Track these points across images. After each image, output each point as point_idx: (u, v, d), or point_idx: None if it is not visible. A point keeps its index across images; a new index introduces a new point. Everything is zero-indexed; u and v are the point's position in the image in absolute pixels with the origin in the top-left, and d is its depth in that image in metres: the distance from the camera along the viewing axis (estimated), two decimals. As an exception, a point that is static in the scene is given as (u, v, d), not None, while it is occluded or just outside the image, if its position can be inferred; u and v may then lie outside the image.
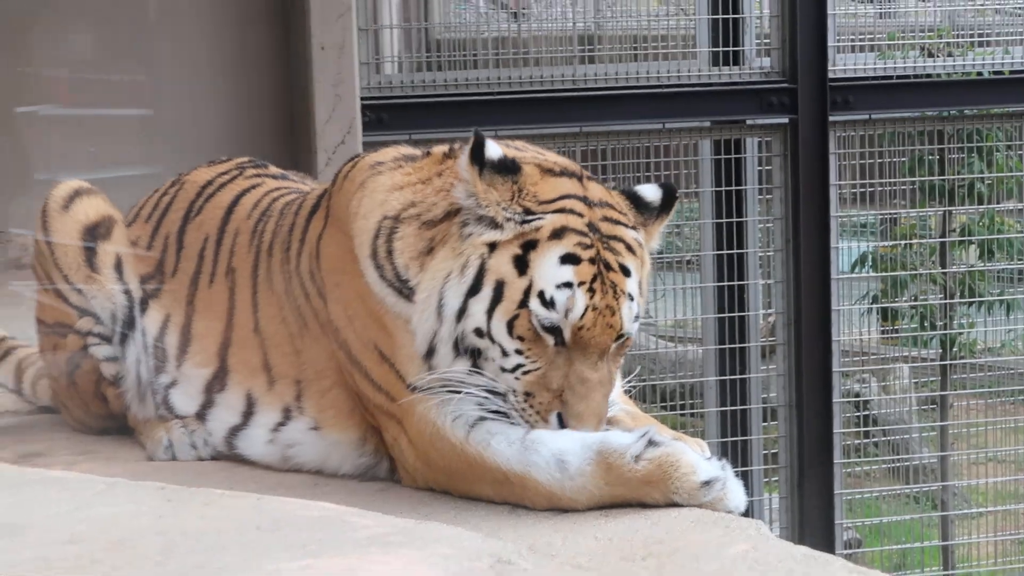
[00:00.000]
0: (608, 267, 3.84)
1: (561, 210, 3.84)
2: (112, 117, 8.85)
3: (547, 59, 9.39)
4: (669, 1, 10.32)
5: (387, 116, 8.70)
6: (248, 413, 4.44)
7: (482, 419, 3.86)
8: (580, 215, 3.86)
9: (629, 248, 3.90)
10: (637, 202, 4.06)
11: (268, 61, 8.90)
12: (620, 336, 3.87)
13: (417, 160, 4.19)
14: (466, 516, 3.73)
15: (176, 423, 4.56)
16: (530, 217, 3.82)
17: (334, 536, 3.16)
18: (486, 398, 3.85)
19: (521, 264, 3.81)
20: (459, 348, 3.86)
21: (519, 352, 3.81)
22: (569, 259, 3.81)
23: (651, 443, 3.72)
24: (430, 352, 3.90)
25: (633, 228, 3.97)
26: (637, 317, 3.90)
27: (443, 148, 4.19)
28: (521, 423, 3.83)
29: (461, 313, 3.84)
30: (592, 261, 3.82)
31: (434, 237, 3.97)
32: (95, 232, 4.80)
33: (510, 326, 3.81)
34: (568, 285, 3.79)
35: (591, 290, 3.79)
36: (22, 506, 3.32)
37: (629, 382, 4.36)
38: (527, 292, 3.80)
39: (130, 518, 3.26)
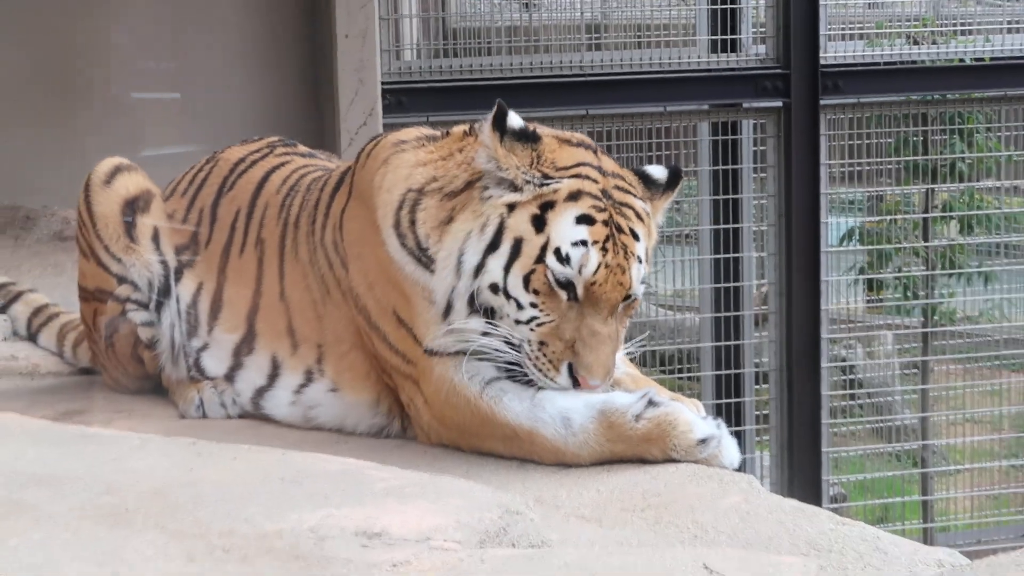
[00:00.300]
0: (620, 230, 3.85)
1: (577, 176, 3.86)
2: (151, 100, 8.85)
3: (556, 46, 9.37)
4: (671, -8, 10.27)
5: (406, 100, 8.67)
6: (273, 375, 4.45)
7: (496, 379, 3.87)
8: (595, 181, 3.88)
9: (638, 216, 3.92)
10: (645, 179, 4.08)
11: (296, 48, 8.90)
12: (628, 296, 3.87)
13: (437, 140, 4.19)
14: (477, 471, 3.73)
15: (207, 384, 4.56)
16: (548, 181, 3.84)
17: (353, 488, 3.15)
18: (500, 351, 3.85)
19: (539, 223, 3.83)
20: (474, 304, 3.88)
21: (534, 305, 3.83)
22: (584, 219, 3.82)
23: (651, 403, 3.73)
24: (447, 309, 3.92)
25: (642, 199, 3.97)
26: (644, 281, 3.91)
27: (463, 127, 4.19)
28: (533, 371, 3.83)
29: (479, 269, 3.86)
30: (605, 223, 3.83)
31: (455, 207, 3.97)
32: (134, 205, 4.80)
33: (527, 280, 3.82)
34: (583, 243, 3.80)
35: (604, 249, 3.80)
36: (63, 460, 3.32)
37: (634, 348, 4.35)
38: (544, 248, 3.81)
39: (163, 471, 3.26)
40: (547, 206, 3.82)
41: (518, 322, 3.83)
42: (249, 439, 3.94)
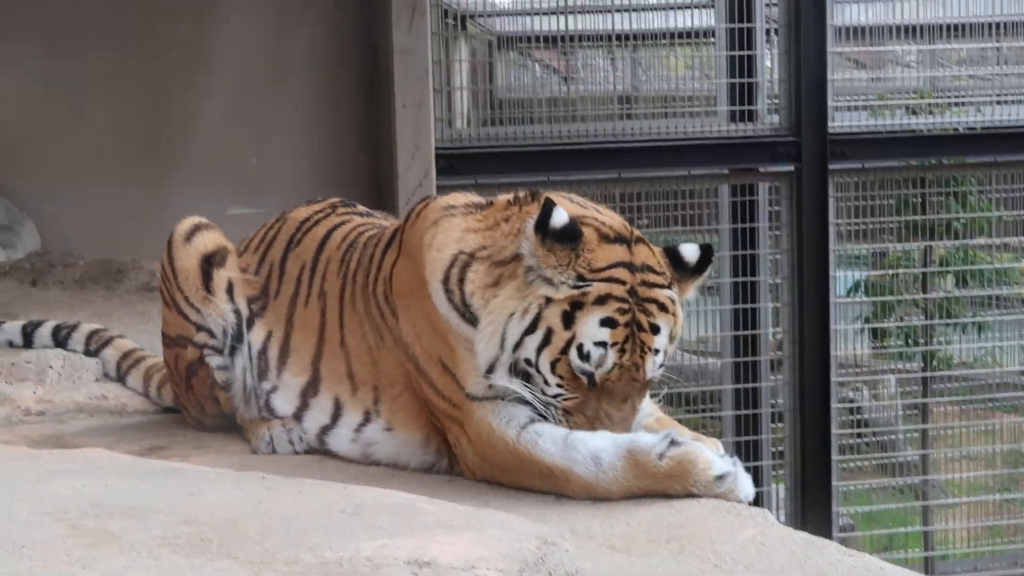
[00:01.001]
0: (640, 328, 3.86)
1: (608, 279, 3.86)
2: (230, 163, 8.90)
3: (592, 116, 9.37)
4: (695, 67, 10.26)
5: (457, 164, 8.69)
6: (336, 415, 4.45)
7: (531, 421, 3.88)
8: (623, 283, 3.87)
9: (662, 307, 3.91)
10: (676, 259, 4.05)
11: (359, 116, 8.94)
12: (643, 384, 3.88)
13: (484, 208, 4.19)
14: (517, 504, 3.72)
15: (276, 422, 4.57)
16: (581, 283, 3.85)
17: (406, 520, 3.14)
18: (533, 405, 3.88)
19: (568, 320, 3.85)
20: (513, 371, 3.90)
21: (559, 385, 3.87)
22: (607, 322, 3.84)
23: (673, 443, 3.74)
24: (489, 371, 3.93)
25: (668, 287, 3.96)
26: (661, 366, 3.93)
27: (507, 197, 4.20)
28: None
29: (517, 345, 3.88)
30: (627, 324, 3.85)
31: (502, 273, 3.98)
32: (211, 260, 4.81)
33: (553, 365, 3.86)
34: (603, 344, 3.84)
35: (621, 350, 3.83)
36: (146, 492, 3.32)
37: (658, 394, 4.38)
38: (569, 343, 3.84)
39: (235, 503, 3.26)
40: (577, 305, 3.84)
41: (545, 394, 3.88)
42: (314, 473, 3.94)
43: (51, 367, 5.58)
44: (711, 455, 3.77)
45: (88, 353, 5.80)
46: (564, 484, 3.81)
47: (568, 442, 3.81)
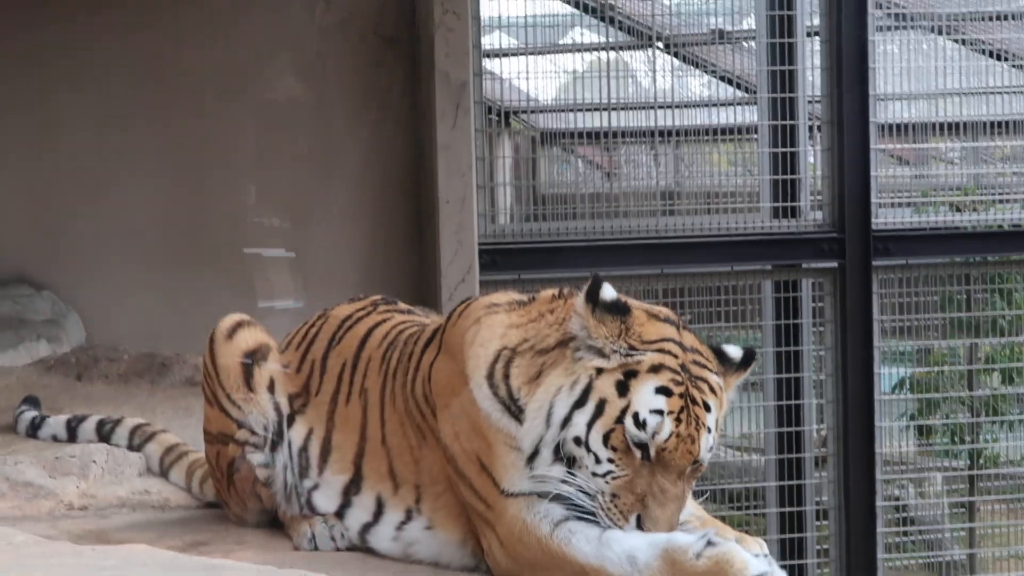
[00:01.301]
0: (694, 401, 3.82)
1: (660, 350, 3.85)
2: (273, 258, 8.94)
3: (635, 212, 9.39)
4: (737, 162, 10.30)
5: (500, 259, 8.72)
6: (378, 513, 4.43)
7: (565, 519, 3.85)
8: (675, 356, 3.85)
9: (712, 389, 3.88)
10: (720, 356, 4.04)
11: (402, 212, 8.98)
12: (696, 461, 3.84)
13: (526, 304, 4.20)
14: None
15: (318, 519, 4.55)
16: (633, 352, 3.83)
17: (446, 620, 3.12)
18: (577, 497, 3.82)
19: (622, 388, 3.81)
20: (558, 453, 3.84)
21: (611, 460, 3.79)
22: (663, 391, 3.80)
23: (710, 543, 3.69)
24: (534, 454, 3.88)
25: (716, 374, 3.95)
26: (712, 448, 3.88)
27: (551, 292, 4.20)
28: (605, 520, 3.79)
29: (566, 421, 3.82)
30: (681, 396, 3.80)
31: (544, 362, 3.97)
32: (253, 357, 4.82)
33: (606, 437, 3.78)
34: (659, 412, 3.78)
35: (678, 419, 3.78)
36: (187, 589, 3.31)
37: (703, 492, 4.33)
38: (624, 411, 3.78)
39: (277, 601, 3.24)
40: (631, 374, 3.81)
41: (595, 474, 3.80)
42: (355, 571, 3.92)
43: (95, 461, 5.58)
44: (747, 556, 3.71)
45: (131, 448, 5.80)
46: None
47: (603, 541, 3.76)
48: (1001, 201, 9.57)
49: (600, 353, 3.85)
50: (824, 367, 9.20)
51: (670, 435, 3.77)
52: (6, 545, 3.82)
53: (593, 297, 3.86)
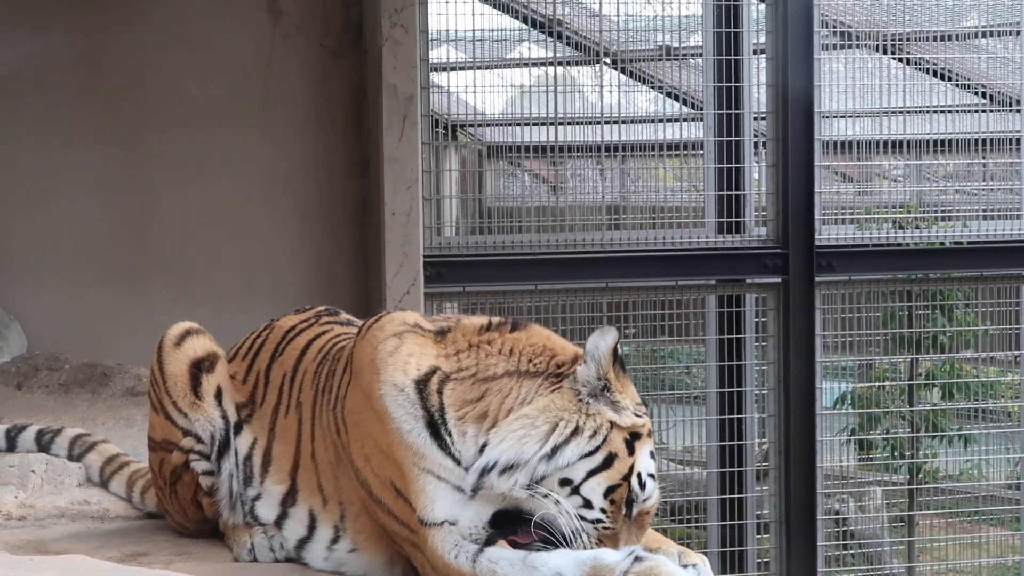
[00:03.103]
0: None
1: (646, 414, 3.87)
2: (219, 270, 8.89)
3: (580, 225, 9.39)
4: (683, 178, 10.31)
5: (445, 271, 8.69)
6: (312, 527, 4.37)
7: (480, 550, 3.78)
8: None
9: None
10: None
11: (349, 224, 8.95)
12: None
13: (447, 334, 4.06)
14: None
15: (258, 529, 4.49)
16: (639, 412, 3.84)
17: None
18: (568, 527, 3.72)
19: (630, 447, 3.79)
20: (529, 486, 3.74)
21: (603, 511, 3.75)
22: (652, 455, 3.84)
23: (637, 559, 3.64)
24: (501, 472, 3.78)
25: None
26: None
27: (479, 322, 4.10)
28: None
29: (567, 465, 3.74)
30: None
31: (489, 389, 3.90)
32: (201, 365, 4.76)
33: (609, 490, 3.75)
34: (653, 476, 3.81)
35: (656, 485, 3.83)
36: (126, 601, 3.25)
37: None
38: (631, 469, 3.77)
39: (217, 613, 3.19)
40: (635, 436, 3.81)
41: (583, 519, 3.75)
42: (295, 583, 3.87)
43: (34, 471, 5.50)
44: (675, 568, 3.66)
45: (72, 458, 5.72)
46: None
47: (527, 563, 3.69)
48: (943, 218, 9.63)
49: (615, 407, 3.83)
50: (766, 381, 9.22)
51: (655, 500, 3.81)
52: (-58, 554, 3.75)
53: (616, 353, 3.84)
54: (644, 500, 3.78)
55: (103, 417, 6.77)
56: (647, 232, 9.24)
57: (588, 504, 3.74)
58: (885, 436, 9.84)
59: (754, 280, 9.26)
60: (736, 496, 9.12)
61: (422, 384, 3.94)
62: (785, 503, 9.02)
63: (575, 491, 3.74)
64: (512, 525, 3.78)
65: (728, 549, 9.01)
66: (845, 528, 10.19)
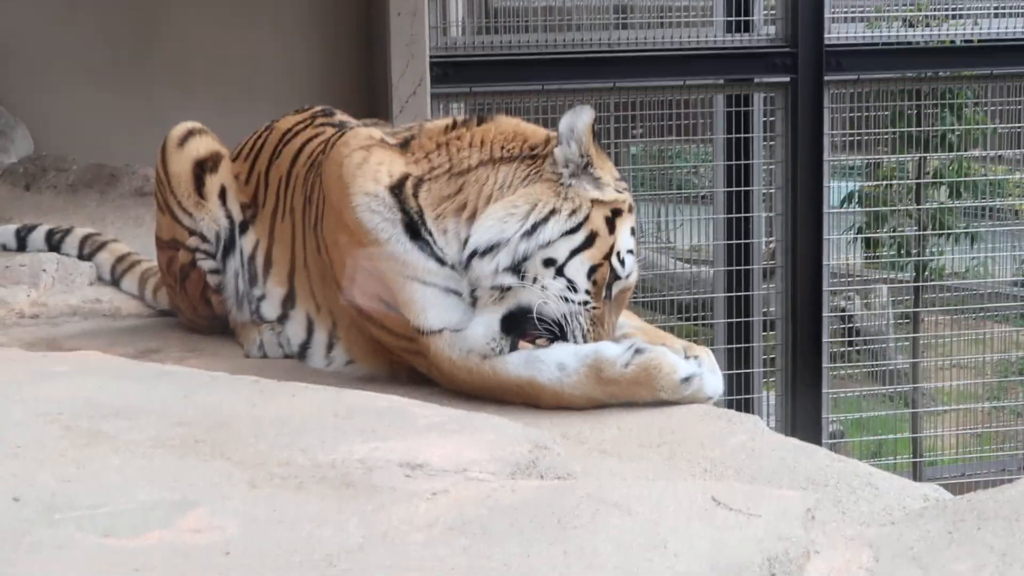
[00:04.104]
0: None
1: (626, 189, 3.85)
2: (222, 70, 8.85)
3: (587, 25, 9.29)
4: (691, -24, 10.18)
5: (451, 72, 8.64)
6: (310, 330, 4.42)
7: (494, 352, 3.80)
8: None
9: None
10: None
11: (352, 24, 8.87)
12: None
13: (412, 141, 4.06)
14: (508, 410, 3.70)
15: (266, 326, 4.56)
16: (620, 188, 3.82)
17: (399, 423, 3.14)
18: (551, 316, 3.76)
19: (610, 225, 3.80)
20: (514, 268, 3.76)
21: (588, 292, 3.78)
22: (633, 232, 3.85)
23: (637, 351, 3.70)
24: (478, 253, 3.79)
25: None
26: None
27: (442, 122, 4.09)
28: (580, 340, 3.77)
29: (548, 243, 3.75)
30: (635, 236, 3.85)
31: (466, 181, 3.89)
32: (204, 165, 4.79)
33: (591, 271, 3.77)
34: (632, 252, 3.83)
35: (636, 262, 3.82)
36: (140, 394, 3.32)
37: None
38: (612, 248, 3.78)
39: (229, 405, 3.25)
40: (616, 212, 3.80)
41: (567, 300, 3.75)
42: (307, 378, 3.92)
43: (45, 270, 5.56)
44: (675, 359, 3.72)
45: (82, 257, 5.79)
46: (533, 394, 3.76)
47: (531, 357, 3.75)
48: (954, 16, 9.52)
49: (597, 184, 3.81)
50: (774, 181, 9.22)
51: (634, 277, 3.82)
52: (-43, 351, 3.82)
53: (593, 128, 3.82)
54: (626, 277, 3.80)
55: (112, 217, 6.81)
56: (655, 31, 9.15)
57: (572, 286, 3.75)
58: (892, 234, 9.87)
59: (762, 79, 9.20)
60: (742, 294, 9.19)
61: (397, 189, 3.93)
62: (791, 301, 9.08)
63: (560, 272, 3.75)
64: (521, 327, 3.82)
65: (734, 346, 9.11)
66: (850, 325, 10.28)
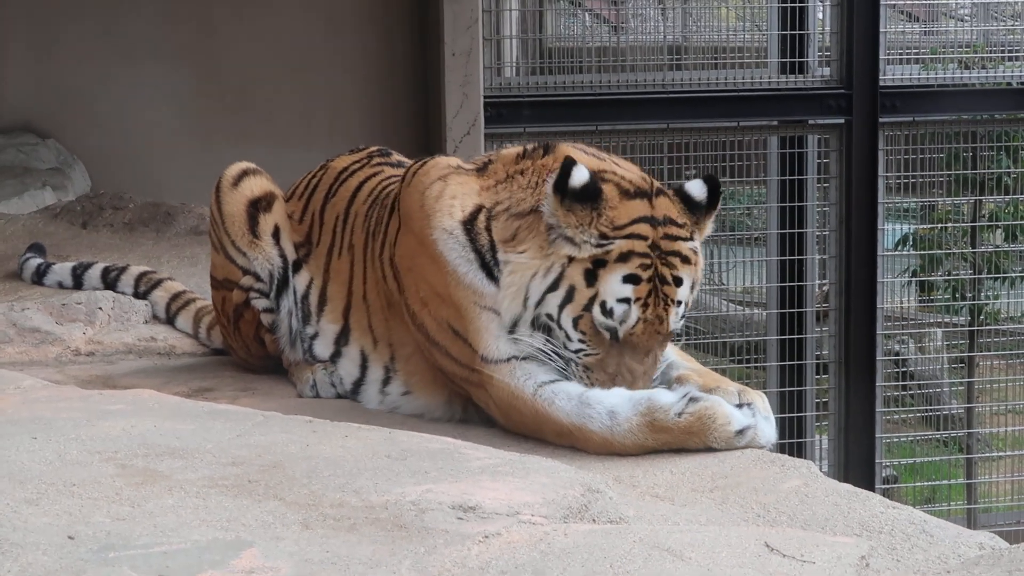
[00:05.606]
0: (663, 281, 3.84)
1: (630, 235, 3.82)
2: (280, 109, 8.93)
3: (641, 66, 9.31)
4: (746, 17, 10.19)
5: (505, 112, 8.67)
6: (363, 367, 4.45)
7: (548, 382, 3.87)
8: (645, 238, 3.83)
9: (685, 260, 3.89)
10: (688, 202, 3.98)
11: (408, 65, 8.94)
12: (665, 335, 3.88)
13: (489, 165, 4.15)
14: (561, 452, 3.71)
15: (319, 366, 4.58)
16: (603, 242, 3.81)
17: (451, 465, 3.14)
18: (553, 358, 3.87)
19: (591, 277, 3.83)
20: (535, 325, 3.88)
21: (581, 341, 3.86)
22: (630, 279, 3.83)
23: (691, 400, 3.70)
24: (512, 329, 3.92)
25: (689, 238, 3.93)
26: (683, 316, 3.93)
27: (515, 150, 4.16)
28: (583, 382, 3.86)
29: (539, 303, 3.86)
30: (649, 280, 3.83)
31: (519, 226, 3.95)
32: (258, 205, 4.82)
33: (575, 321, 3.84)
34: (626, 300, 3.82)
35: (645, 304, 3.81)
36: (194, 434, 3.33)
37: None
38: (592, 300, 3.82)
39: (282, 445, 3.26)
40: (599, 263, 3.82)
41: (567, 348, 3.87)
42: (359, 418, 3.94)
43: (101, 308, 5.60)
44: (730, 410, 3.73)
45: (137, 295, 5.83)
46: (581, 441, 3.78)
47: (583, 400, 3.79)
48: (1010, 58, 9.49)
49: (571, 242, 3.84)
50: (828, 223, 9.20)
51: (637, 321, 3.82)
52: (14, 389, 3.84)
53: (562, 186, 3.82)
54: (622, 324, 3.81)
55: (167, 255, 6.85)
56: (708, 72, 9.17)
57: (568, 336, 3.86)
58: (947, 277, 9.82)
59: (816, 121, 9.20)
60: (796, 337, 9.15)
61: (469, 225, 4.02)
62: (845, 344, 9.05)
63: (558, 324, 3.86)
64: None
65: (787, 389, 9.07)
66: (904, 369, 10.22)
